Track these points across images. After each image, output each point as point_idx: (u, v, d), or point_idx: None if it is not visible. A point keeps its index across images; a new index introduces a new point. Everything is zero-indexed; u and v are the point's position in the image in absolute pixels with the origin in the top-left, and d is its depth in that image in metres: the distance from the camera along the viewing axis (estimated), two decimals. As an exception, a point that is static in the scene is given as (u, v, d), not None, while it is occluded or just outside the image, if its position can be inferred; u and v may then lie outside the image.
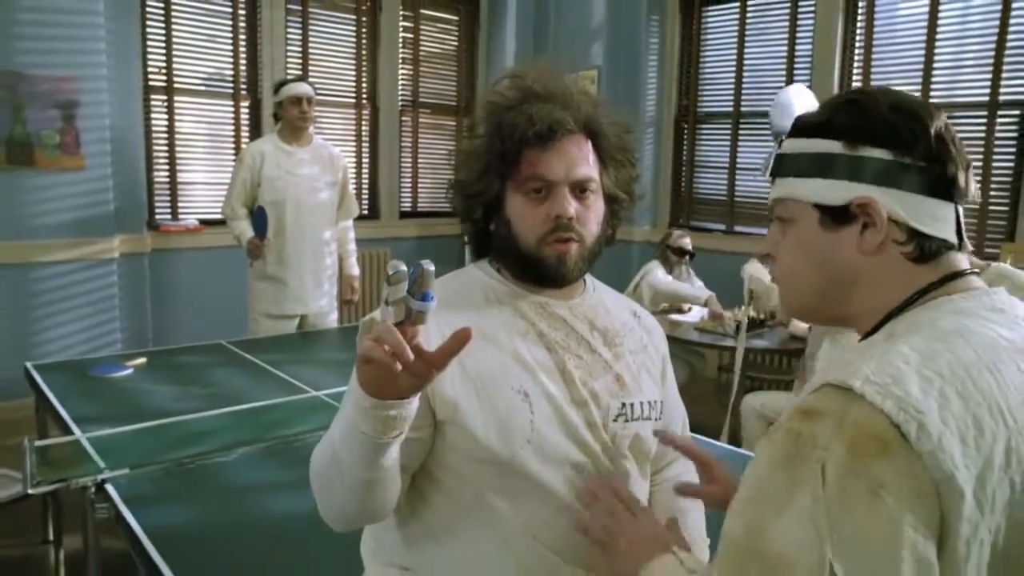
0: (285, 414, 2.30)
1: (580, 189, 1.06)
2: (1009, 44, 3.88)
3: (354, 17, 5.19)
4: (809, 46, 4.65)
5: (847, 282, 0.79)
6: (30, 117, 3.67)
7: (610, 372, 1.09)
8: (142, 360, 2.81)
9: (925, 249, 0.75)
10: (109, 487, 1.74)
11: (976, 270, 0.79)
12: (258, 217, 3.24)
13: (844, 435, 0.64)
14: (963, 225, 0.78)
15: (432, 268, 0.81)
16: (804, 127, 0.82)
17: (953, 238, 0.77)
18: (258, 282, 3.40)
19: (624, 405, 1.09)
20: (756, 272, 3.52)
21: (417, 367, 0.82)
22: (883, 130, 0.76)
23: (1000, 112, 3.95)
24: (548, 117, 1.02)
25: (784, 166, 0.82)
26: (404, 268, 0.80)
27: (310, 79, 4.53)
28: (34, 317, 3.81)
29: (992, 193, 3.99)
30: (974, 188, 0.77)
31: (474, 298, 1.09)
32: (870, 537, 0.61)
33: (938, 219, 0.76)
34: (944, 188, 0.76)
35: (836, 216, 0.78)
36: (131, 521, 1.60)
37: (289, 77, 3.84)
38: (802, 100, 2.70)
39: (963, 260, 0.77)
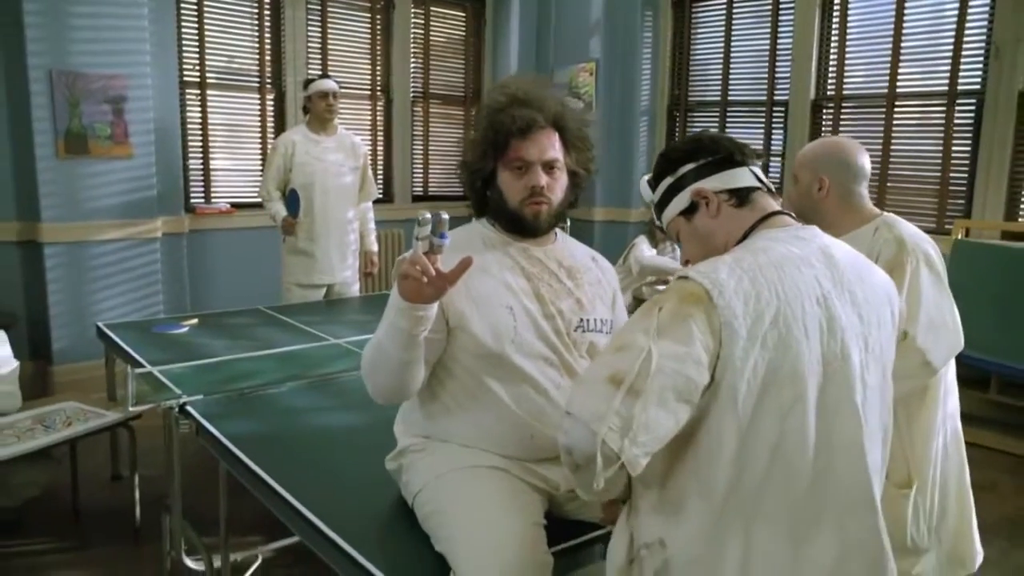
0: (318, 358, 2.79)
1: (549, 167, 1.52)
2: (966, 40, 4.26)
3: (369, 15, 5.61)
4: (790, 39, 5.03)
5: (715, 237, 1.27)
6: (85, 111, 4.13)
7: (572, 296, 1.55)
8: (195, 320, 3.28)
9: (740, 196, 1.22)
10: (189, 408, 2.20)
11: (789, 212, 1.23)
12: (291, 198, 3.70)
13: (676, 294, 1.11)
14: (762, 177, 1.26)
15: (447, 217, 1.26)
16: (653, 180, 1.35)
17: (755, 183, 1.24)
18: (290, 256, 3.86)
19: (582, 320, 1.55)
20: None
21: (437, 282, 1.28)
22: (683, 156, 1.28)
23: (958, 101, 4.34)
24: (526, 117, 1.48)
25: (659, 207, 1.35)
26: (430, 216, 1.25)
27: (329, 73, 4.99)
28: (89, 290, 4.27)
29: (952, 175, 4.39)
30: (751, 152, 1.26)
31: (475, 243, 1.55)
32: (677, 335, 1.07)
33: (736, 178, 1.24)
34: (730, 161, 1.25)
35: (690, 210, 1.28)
36: (213, 431, 2.06)
37: (315, 74, 4.28)
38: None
39: (773, 202, 1.23)
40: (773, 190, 1.27)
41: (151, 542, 2.70)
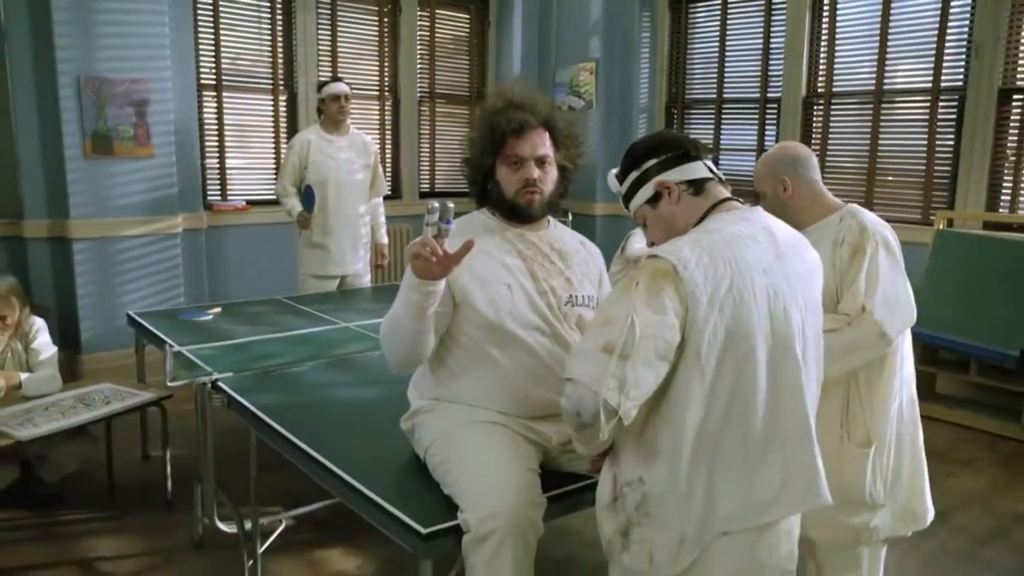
0: (334, 340, 3.04)
1: (541, 162, 1.75)
2: (948, 39, 4.46)
3: (376, 18, 5.83)
4: (782, 39, 5.23)
5: (676, 221, 1.48)
6: (110, 114, 4.37)
7: (562, 275, 1.78)
8: (218, 309, 3.51)
9: (696, 186, 1.44)
10: (221, 384, 2.43)
11: (740, 199, 1.45)
12: (306, 194, 3.93)
13: (648, 270, 1.33)
14: (713, 169, 1.48)
15: (453, 206, 1.49)
16: (620, 175, 1.56)
17: (708, 175, 1.46)
18: (305, 248, 4.09)
19: (571, 296, 1.78)
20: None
21: (444, 261, 1.51)
22: (647, 152, 1.49)
23: (941, 98, 4.53)
24: (520, 118, 1.70)
25: (626, 197, 1.55)
26: (438, 205, 1.48)
27: (339, 74, 5.22)
28: (116, 282, 4.52)
29: (936, 168, 4.58)
30: (704, 147, 1.48)
31: (477, 229, 1.78)
32: (653, 306, 1.28)
33: (693, 170, 1.46)
34: (688, 156, 1.46)
35: (654, 199, 1.49)
36: (245, 403, 2.29)
37: (325, 76, 4.50)
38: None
39: (724, 190, 1.44)
40: (724, 180, 1.48)
41: (182, 512, 2.93)
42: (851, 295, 1.84)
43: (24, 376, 2.91)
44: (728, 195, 1.46)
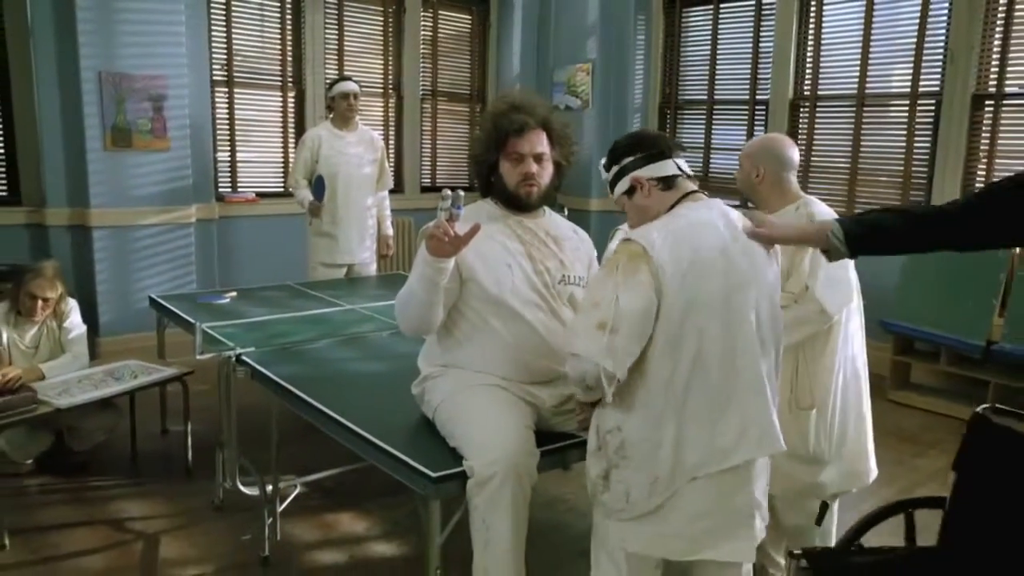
0: (344, 321, 3.29)
1: (538, 159, 2.00)
2: (926, 47, 4.70)
3: (381, 18, 6.06)
4: (771, 43, 5.47)
5: (649, 211, 1.72)
6: (129, 108, 4.59)
7: (556, 258, 2.03)
8: (234, 293, 3.75)
9: (667, 182, 1.68)
10: (245, 358, 2.67)
11: (703, 192, 1.70)
12: (317, 184, 4.17)
13: (625, 254, 1.58)
14: (683, 166, 1.71)
15: (463, 194, 1.73)
16: (605, 167, 1.79)
17: (677, 172, 1.70)
18: (316, 238, 4.33)
19: (564, 276, 2.02)
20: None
21: (454, 241, 1.75)
22: (625, 150, 1.73)
23: (919, 102, 4.78)
24: (521, 120, 1.95)
25: (610, 186, 1.78)
26: (450, 193, 1.72)
27: (345, 72, 5.44)
28: (132, 269, 4.74)
29: (913, 168, 4.83)
30: (676, 145, 1.72)
31: (482, 216, 2.02)
32: (632, 285, 1.53)
33: (664, 168, 1.70)
34: (660, 155, 1.70)
35: (630, 192, 1.73)
36: (268, 374, 2.52)
37: (332, 74, 4.71)
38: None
39: (691, 184, 1.69)
40: (691, 175, 1.73)
41: (202, 480, 3.16)
42: (797, 275, 2.10)
43: (45, 367, 3.12)
44: (695, 188, 1.70)
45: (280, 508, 2.71)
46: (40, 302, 3.09)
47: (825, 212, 2.19)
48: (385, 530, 2.89)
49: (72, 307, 3.28)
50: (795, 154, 2.30)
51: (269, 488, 2.66)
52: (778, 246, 1.75)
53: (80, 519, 2.91)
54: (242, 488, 2.78)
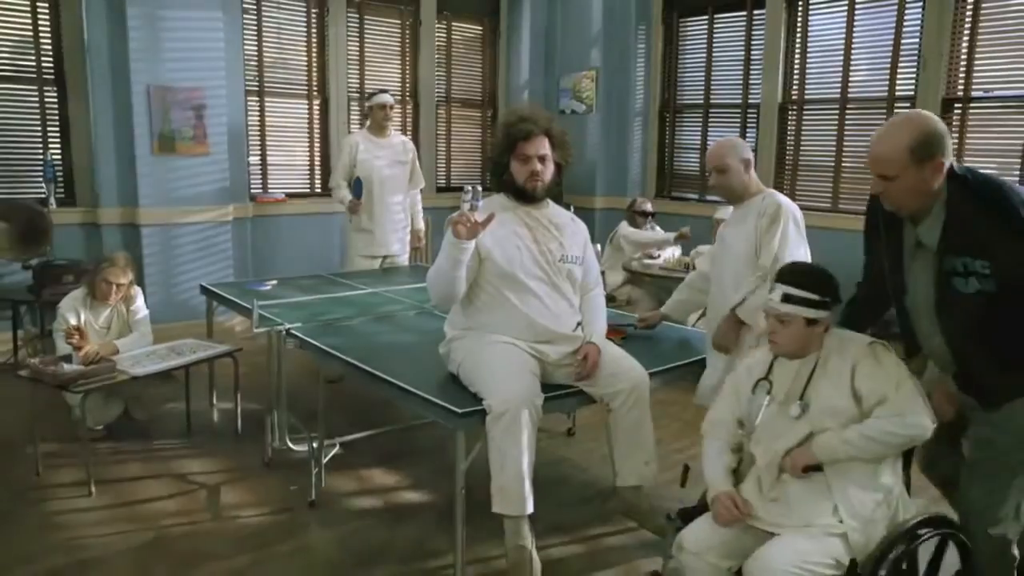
0: (376, 303, 3.77)
1: (542, 159, 2.47)
2: (902, 53, 5.11)
3: (399, 30, 6.52)
4: (761, 51, 5.89)
5: (811, 347, 2.02)
6: (173, 118, 5.07)
7: (557, 240, 2.50)
8: (275, 282, 4.22)
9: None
10: (294, 332, 3.13)
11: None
12: (356, 184, 4.65)
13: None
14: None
15: (481, 188, 2.19)
16: (831, 300, 2.05)
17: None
18: (355, 233, 4.81)
19: (563, 255, 2.49)
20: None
21: (474, 227, 2.22)
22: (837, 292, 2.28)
23: (896, 105, 5.18)
24: (527, 128, 2.42)
25: (812, 306, 1.91)
26: (471, 188, 2.18)
27: (365, 81, 5.90)
28: (176, 263, 5.23)
29: (892, 166, 5.23)
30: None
31: (496, 207, 2.48)
32: None
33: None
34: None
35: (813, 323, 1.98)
36: (316, 343, 2.98)
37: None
38: None
39: None
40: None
41: (251, 443, 3.62)
42: (767, 251, 2.53)
43: (119, 343, 3.58)
44: None
45: (324, 461, 3.17)
46: (114, 287, 3.55)
47: (788, 202, 2.62)
48: (411, 483, 3.34)
49: (138, 292, 3.75)
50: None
51: (315, 445, 3.12)
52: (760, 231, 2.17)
53: (149, 473, 3.37)
54: (291, 446, 3.24)
